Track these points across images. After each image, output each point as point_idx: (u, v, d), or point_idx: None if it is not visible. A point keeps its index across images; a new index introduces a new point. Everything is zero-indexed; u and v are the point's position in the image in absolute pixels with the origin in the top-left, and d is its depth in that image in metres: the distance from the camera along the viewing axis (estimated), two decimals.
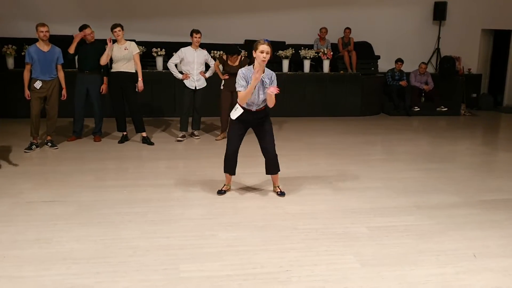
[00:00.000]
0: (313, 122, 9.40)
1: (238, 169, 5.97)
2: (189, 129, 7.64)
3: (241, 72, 4.59)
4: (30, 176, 5.42)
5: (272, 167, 4.91)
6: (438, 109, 10.66)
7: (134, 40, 8.34)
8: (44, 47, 6.47)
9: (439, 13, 11.69)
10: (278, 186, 5.02)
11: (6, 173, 5.53)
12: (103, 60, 6.87)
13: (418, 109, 10.58)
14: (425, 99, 10.87)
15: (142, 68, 7.13)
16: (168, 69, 7.55)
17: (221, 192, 4.96)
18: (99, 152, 6.66)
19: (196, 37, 7.16)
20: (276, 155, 4.88)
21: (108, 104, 7.43)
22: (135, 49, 6.95)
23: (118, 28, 6.81)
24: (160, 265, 3.39)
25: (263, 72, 4.54)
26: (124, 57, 6.82)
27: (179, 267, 3.37)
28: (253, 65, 4.57)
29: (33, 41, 6.62)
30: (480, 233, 4.09)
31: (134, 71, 7.00)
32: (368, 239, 3.91)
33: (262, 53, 4.44)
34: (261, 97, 4.61)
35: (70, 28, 7.79)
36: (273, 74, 4.67)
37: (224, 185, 5.06)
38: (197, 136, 7.60)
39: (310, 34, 10.82)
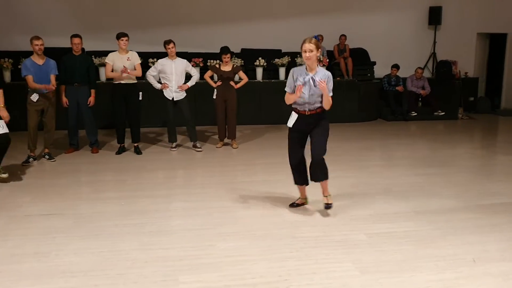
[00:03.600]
0: None
1: (237, 177, 6.02)
2: (190, 143, 7.59)
3: (292, 70, 4.49)
4: (28, 189, 5.41)
5: (314, 172, 4.57)
6: (435, 113, 10.68)
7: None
8: (39, 60, 6.48)
9: (434, 18, 11.76)
10: (326, 196, 4.64)
11: (4, 186, 5.52)
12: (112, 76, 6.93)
13: (416, 114, 10.60)
14: (422, 104, 10.89)
15: (140, 79, 7.16)
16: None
17: (293, 205, 4.77)
18: (96, 164, 6.65)
19: (168, 48, 7.08)
20: (322, 159, 4.54)
21: (100, 115, 7.43)
22: (137, 59, 6.96)
23: (126, 38, 6.83)
24: (159, 277, 3.37)
25: (316, 71, 4.39)
26: (127, 67, 6.81)
27: (178, 278, 3.36)
28: (306, 65, 4.43)
29: (30, 54, 6.64)
30: (479, 237, 4.08)
31: (136, 81, 7.03)
32: (367, 246, 3.90)
33: (305, 52, 4.32)
34: (314, 97, 4.41)
35: (67, 40, 7.79)
36: (329, 75, 4.44)
37: (299, 198, 4.84)
38: (199, 148, 7.45)
39: None
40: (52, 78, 6.59)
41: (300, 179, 4.70)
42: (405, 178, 5.99)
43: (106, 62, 6.94)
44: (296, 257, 3.68)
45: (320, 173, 4.56)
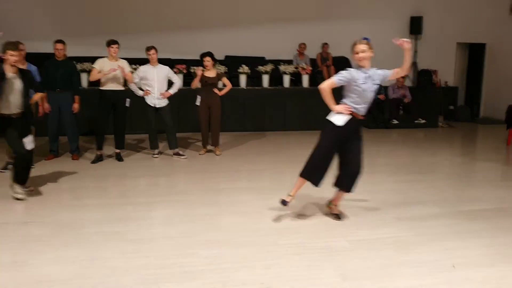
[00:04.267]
0: (294, 136, 9.44)
1: (220, 184, 5.99)
2: (170, 150, 7.52)
3: (348, 69, 4.30)
4: (6, 197, 5.29)
5: (351, 183, 4.49)
6: (416, 121, 10.82)
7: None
8: (20, 66, 6.35)
9: (415, 28, 11.96)
10: (336, 206, 4.65)
11: None
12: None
13: (397, 122, 10.72)
14: (403, 112, 11.03)
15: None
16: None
17: (285, 203, 4.47)
18: (77, 170, 6.55)
19: (149, 54, 7.05)
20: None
21: (80, 121, 7.34)
22: (127, 67, 6.88)
23: (117, 45, 6.75)
24: (140, 285, 3.33)
25: (369, 68, 4.32)
26: (116, 74, 6.74)
27: (159, 286, 3.31)
28: (360, 66, 4.31)
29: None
30: (459, 243, 4.13)
31: (124, 88, 6.96)
32: (349, 253, 3.91)
33: (357, 53, 4.25)
34: (369, 98, 4.34)
35: (49, 46, 7.69)
36: (379, 70, 4.38)
37: (289, 195, 4.49)
38: (183, 155, 7.39)
39: (289, 50, 10.96)
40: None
41: (314, 178, 4.45)
42: (387, 184, 6.05)
43: (93, 68, 6.85)
44: (279, 264, 3.67)
45: (353, 184, 4.51)
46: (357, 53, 4.27)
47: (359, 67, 4.35)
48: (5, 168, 6.44)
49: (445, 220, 4.71)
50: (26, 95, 5.14)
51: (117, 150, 7.14)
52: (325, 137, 4.47)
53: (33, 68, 6.46)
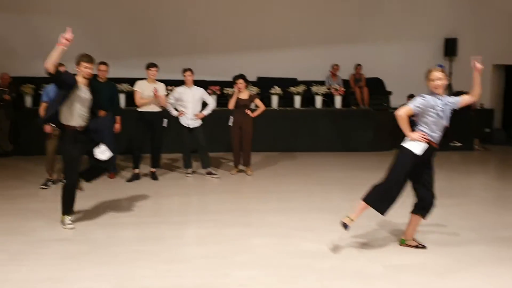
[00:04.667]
0: (326, 157, 9.38)
1: (252, 205, 5.99)
2: (203, 170, 7.59)
3: (424, 96, 4.24)
4: (44, 214, 5.44)
5: (427, 212, 4.47)
6: (451, 144, 10.59)
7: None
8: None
9: (450, 49, 11.82)
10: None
11: (20, 211, 5.57)
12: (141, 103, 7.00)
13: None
14: None
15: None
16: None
17: (346, 227, 4.29)
18: (113, 189, 6.68)
19: (185, 76, 7.23)
20: None
21: (120, 141, 7.51)
22: (163, 91, 7.02)
23: (155, 68, 6.95)
24: None
25: (443, 95, 4.27)
26: (153, 96, 6.90)
27: None
28: (434, 93, 4.25)
29: (43, 80, 6.76)
30: (497, 270, 3.98)
31: (161, 109, 7.12)
32: (384, 278, 3.82)
33: (433, 81, 4.21)
34: (443, 126, 4.31)
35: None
36: (450, 97, 4.31)
37: (349, 218, 4.30)
38: (215, 174, 7.46)
39: (322, 71, 10.98)
40: None
41: (389, 210, 4.39)
42: None
43: (135, 90, 7.05)
44: None
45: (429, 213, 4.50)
46: (433, 80, 4.24)
47: (433, 94, 4.28)
48: (45, 184, 6.64)
49: (482, 246, 4.56)
50: (94, 108, 5.03)
51: (153, 169, 7.25)
52: (399, 164, 4.35)
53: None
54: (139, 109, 7.05)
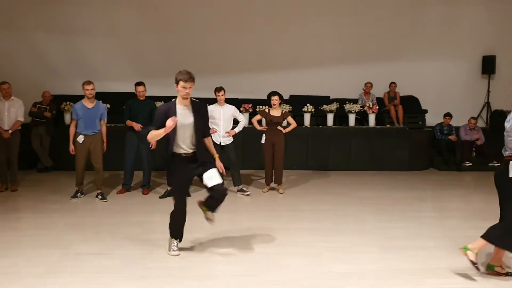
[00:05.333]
0: (360, 177, 9.25)
1: (283, 223, 5.95)
2: (234, 187, 7.61)
3: None
4: (81, 228, 5.58)
5: None
6: (490, 164, 10.24)
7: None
8: (89, 104, 6.81)
9: (488, 67, 11.53)
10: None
11: (58, 225, 5.73)
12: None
13: (470, 164, 10.22)
14: (476, 154, 10.51)
15: None
16: None
17: (475, 265, 4.13)
18: (146, 204, 6.80)
19: (218, 95, 7.33)
20: None
21: (155, 158, 7.65)
22: None
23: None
24: None
25: None
26: None
27: None
28: None
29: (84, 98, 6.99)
30: None
31: None
32: None
33: None
34: None
35: (124, 85, 8.22)
36: None
37: (471, 251, 4.15)
38: (247, 192, 7.50)
39: (355, 89, 10.90)
40: (102, 123, 6.93)
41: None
42: (459, 231, 5.71)
43: None
44: None
45: None
46: None
47: None
48: (75, 196, 6.90)
49: None
50: (199, 130, 4.52)
51: None
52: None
53: (101, 106, 6.95)
54: None
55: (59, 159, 9.09)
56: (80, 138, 6.78)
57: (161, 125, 4.33)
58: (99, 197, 7.00)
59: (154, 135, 4.43)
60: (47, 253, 4.70)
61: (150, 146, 7.28)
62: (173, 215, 4.71)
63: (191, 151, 4.53)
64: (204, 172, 4.50)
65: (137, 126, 7.09)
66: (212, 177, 4.48)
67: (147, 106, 7.30)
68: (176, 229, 4.75)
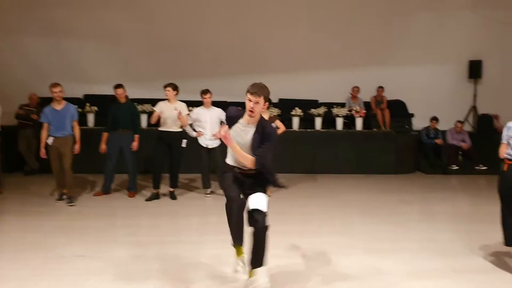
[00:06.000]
0: (346, 180, 9.30)
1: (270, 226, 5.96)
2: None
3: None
4: (66, 231, 5.55)
5: None
6: (476, 167, 10.37)
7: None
8: (58, 106, 6.74)
9: (475, 72, 11.67)
10: None
11: (43, 227, 5.69)
12: (154, 120, 7.16)
13: (456, 167, 10.34)
14: (462, 158, 10.63)
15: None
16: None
17: None
18: (132, 208, 6.77)
19: (205, 98, 7.33)
20: None
21: (138, 160, 7.63)
22: (184, 111, 7.13)
23: (168, 88, 7.06)
24: None
25: None
26: (173, 116, 7.01)
27: None
28: None
29: (76, 101, 6.98)
30: None
31: (181, 130, 7.20)
32: None
33: None
34: None
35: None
36: None
37: None
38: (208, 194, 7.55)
39: (343, 93, 10.98)
40: (75, 124, 6.83)
41: None
42: (444, 234, 5.78)
43: (154, 110, 7.22)
44: None
45: None
46: None
47: None
48: (60, 199, 6.86)
49: (505, 274, 4.42)
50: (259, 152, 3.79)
51: (171, 189, 7.33)
52: None
53: (71, 108, 6.85)
54: (159, 129, 7.18)
55: (46, 162, 8.99)
56: (50, 140, 6.70)
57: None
58: (66, 200, 6.85)
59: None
60: (31, 256, 4.67)
61: (132, 148, 7.24)
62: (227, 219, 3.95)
63: (246, 169, 3.84)
64: (252, 193, 3.80)
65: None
66: (255, 202, 3.75)
67: (128, 109, 7.26)
68: (231, 233, 3.93)
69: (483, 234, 5.73)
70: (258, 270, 3.75)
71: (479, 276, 4.35)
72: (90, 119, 9.50)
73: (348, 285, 4.10)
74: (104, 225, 5.82)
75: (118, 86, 7.30)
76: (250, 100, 3.69)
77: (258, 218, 3.70)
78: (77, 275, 4.23)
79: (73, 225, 5.85)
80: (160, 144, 7.15)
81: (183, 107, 7.17)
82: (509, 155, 4.72)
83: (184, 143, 7.21)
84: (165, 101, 7.18)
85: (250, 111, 3.66)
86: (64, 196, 6.90)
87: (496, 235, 5.75)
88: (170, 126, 7.10)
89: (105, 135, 7.28)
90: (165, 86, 7.11)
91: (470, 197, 8.08)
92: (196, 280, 4.15)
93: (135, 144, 7.27)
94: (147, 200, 7.17)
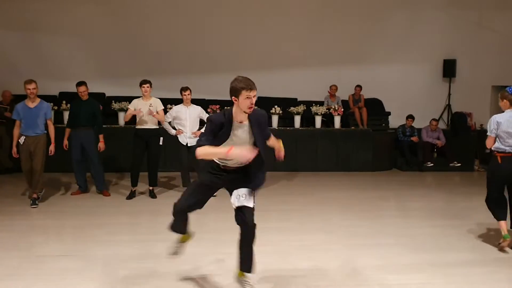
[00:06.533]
0: (325, 177, 9.40)
1: None
2: None
3: (495, 117, 5.19)
4: (42, 230, 5.47)
5: None
6: (451, 164, 10.60)
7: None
8: (31, 103, 6.55)
9: (449, 71, 11.92)
10: None
11: (18, 227, 5.59)
12: (127, 118, 7.15)
13: (432, 164, 10.54)
14: (437, 155, 10.85)
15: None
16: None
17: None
18: (111, 207, 6.70)
19: (185, 95, 7.29)
20: None
21: (114, 159, 7.54)
22: (159, 106, 7.08)
23: (147, 85, 7.02)
24: None
25: None
26: (149, 113, 6.96)
27: None
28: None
29: (52, 98, 6.84)
30: None
31: (158, 127, 7.16)
32: None
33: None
34: None
35: (91, 85, 8.01)
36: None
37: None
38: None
39: (322, 91, 11.06)
40: (49, 122, 6.69)
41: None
42: (420, 229, 5.90)
43: (128, 108, 7.16)
44: None
45: None
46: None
47: None
48: (34, 203, 6.61)
49: (481, 267, 4.55)
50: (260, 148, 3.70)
51: (151, 187, 7.28)
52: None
53: (45, 105, 6.70)
54: (136, 126, 7.12)
55: (19, 161, 8.84)
56: (21, 139, 6.50)
57: (213, 139, 3.48)
58: (31, 201, 6.62)
59: (209, 153, 3.48)
60: (7, 256, 4.59)
61: (99, 149, 7.14)
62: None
63: (239, 166, 3.65)
64: (236, 188, 3.69)
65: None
66: (238, 198, 3.70)
67: (89, 106, 7.10)
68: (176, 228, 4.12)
69: (458, 229, 5.87)
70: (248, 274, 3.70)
71: (455, 270, 4.46)
72: (66, 117, 9.34)
73: (327, 280, 4.15)
74: (82, 224, 5.75)
75: (81, 83, 7.13)
76: (249, 97, 3.46)
77: (246, 216, 3.64)
78: (55, 274, 4.17)
79: (50, 224, 5.78)
80: (137, 142, 7.09)
81: (157, 103, 7.12)
82: (499, 148, 5.12)
83: (161, 140, 7.16)
84: (140, 99, 7.12)
85: (250, 107, 3.48)
86: (31, 200, 6.62)
87: (471, 229, 5.92)
88: (147, 123, 7.04)
89: (67, 130, 7.17)
90: (143, 83, 7.04)
91: (445, 193, 8.25)
92: (178, 278, 4.14)
93: (101, 145, 7.15)
94: (128, 198, 7.12)
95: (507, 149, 5.03)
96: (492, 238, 5.58)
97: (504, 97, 5.10)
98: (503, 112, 5.13)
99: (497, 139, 5.12)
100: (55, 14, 10.58)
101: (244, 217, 3.62)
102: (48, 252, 4.73)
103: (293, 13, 11.34)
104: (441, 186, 8.92)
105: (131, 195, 7.17)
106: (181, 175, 7.58)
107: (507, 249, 5.05)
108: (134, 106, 7.07)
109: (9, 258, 4.52)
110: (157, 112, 7.03)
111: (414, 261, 4.69)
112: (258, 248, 4.90)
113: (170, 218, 6.09)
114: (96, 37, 10.80)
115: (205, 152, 3.45)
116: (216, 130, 3.48)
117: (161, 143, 7.19)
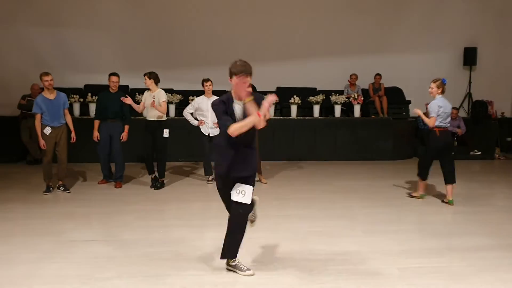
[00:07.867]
0: (345, 166, 9.47)
1: (270, 211, 6.13)
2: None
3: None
4: (73, 217, 5.71)
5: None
6: (471, 153, 10.56)
7: (172, 89, 8.65)
8: (50, 95, 6.74)
9: (470, 59, 11.81)
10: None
11: (50, 214, 5.85)
12: (139, 110, 7.34)
13: (452, 153, 10.48)
14: (458, 143, 10.80)
15: (179, 115, 7.42)
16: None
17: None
18: (138, 195, 6.92)
19: (206, 85, 7.45)
20: None
21: (130, 149, 7.71)
22: (162, 98, 7.12)
23: (145, 76, 7.14)
24: None
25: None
26: (152, 104, 7.08)
27: None
28: None
29: (77, 91, 7.04)
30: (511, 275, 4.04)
31: (161, 119, 7.18)
32: (398, 280, 3.92)
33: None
34: None
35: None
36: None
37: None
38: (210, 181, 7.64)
39: (342, 80, 11.10)
40: (66, 112, 6.89)
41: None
42: (440, 216, 5.97)
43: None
44: None
45: None
46: None
47: None
48: (47, 191, 6.88)
49: (498, 252, 4.61)
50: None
51: (160, 179, 7.40)
52: None
53: (62, 95, 6.90)
54: (146, 118, 7.30)
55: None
56: (47, 130, 6.67)
57: (229, 118, 3.74)
58: (61, 188, 6.94)
59: (242, 126, 3.62)
60: (40, 241, 4.82)
61: (121, 139, 7.33)
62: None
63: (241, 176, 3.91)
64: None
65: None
66: (239, 194, 3.90)
67: (118, 99, 7.18)
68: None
69: (477, 216, 5.92)
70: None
71: (473, 254, 4.53)
72: (92, 109, 9.60)
73: (347, 263, 4.27)
74: (111, 211, 5.98)
75: (114, 74, 7.31)
76: (245, 83, 3.73)
77: (232, 209, 3.96)
78: (86, 257, 4.38)
79: (80, 211, 6.01)
80: (145, 133, 7.27)
81: (161, 95, 7.14)
82: (439, 125, 6.47)
83: (165, 132, 7.21)
84: (147, 91, 7.30)
85: (243, 91, 3.72)
86: (61, 187, 6.97)
87: (491, 216, 5.96)
88: (150, 115, 7.21)
89: (96, 122, 7.36)
90: (144, 76, 7.19)
91: (465, 181, 8.25)
92: (201, 260, 4.31)
93: (124, 135, 7.32)
94: (155, 188, 7.27)
95: None
96: (510, 224, 5.62)
97: None
98: None
99: None
100: (80, 9, 10.91)
101: (232, 209, 3.96)
102: (79, 237, 4.96)
103: (314, 3, 11.36)
104: (461, 175, 8.86)
105: (153, 183, 7.36)
106: (204, 165, 7.77)
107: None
108: (143, 98, 7.31)
109: (42, 243, 4.76)
110: (159, 105, 7.07)
111: (432, 245, 4.77)
112: (276, 235, 5.07)
113: (193, 205, 6.31)
114: (120, 30, 11.03)
115: (236, 127, 3.64)
116: (225, 110, 3.78)
117: (166, 135, 7.20)
